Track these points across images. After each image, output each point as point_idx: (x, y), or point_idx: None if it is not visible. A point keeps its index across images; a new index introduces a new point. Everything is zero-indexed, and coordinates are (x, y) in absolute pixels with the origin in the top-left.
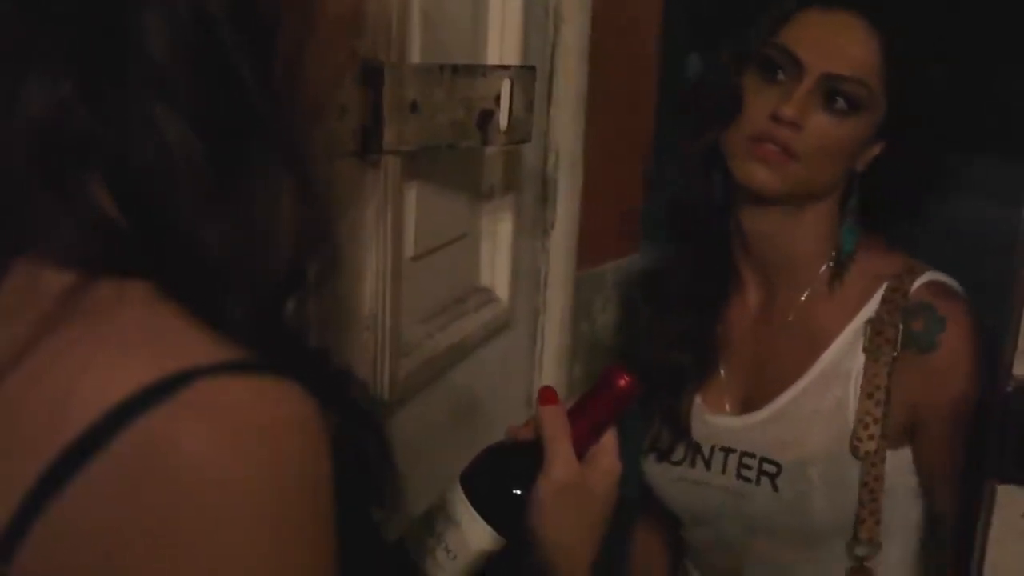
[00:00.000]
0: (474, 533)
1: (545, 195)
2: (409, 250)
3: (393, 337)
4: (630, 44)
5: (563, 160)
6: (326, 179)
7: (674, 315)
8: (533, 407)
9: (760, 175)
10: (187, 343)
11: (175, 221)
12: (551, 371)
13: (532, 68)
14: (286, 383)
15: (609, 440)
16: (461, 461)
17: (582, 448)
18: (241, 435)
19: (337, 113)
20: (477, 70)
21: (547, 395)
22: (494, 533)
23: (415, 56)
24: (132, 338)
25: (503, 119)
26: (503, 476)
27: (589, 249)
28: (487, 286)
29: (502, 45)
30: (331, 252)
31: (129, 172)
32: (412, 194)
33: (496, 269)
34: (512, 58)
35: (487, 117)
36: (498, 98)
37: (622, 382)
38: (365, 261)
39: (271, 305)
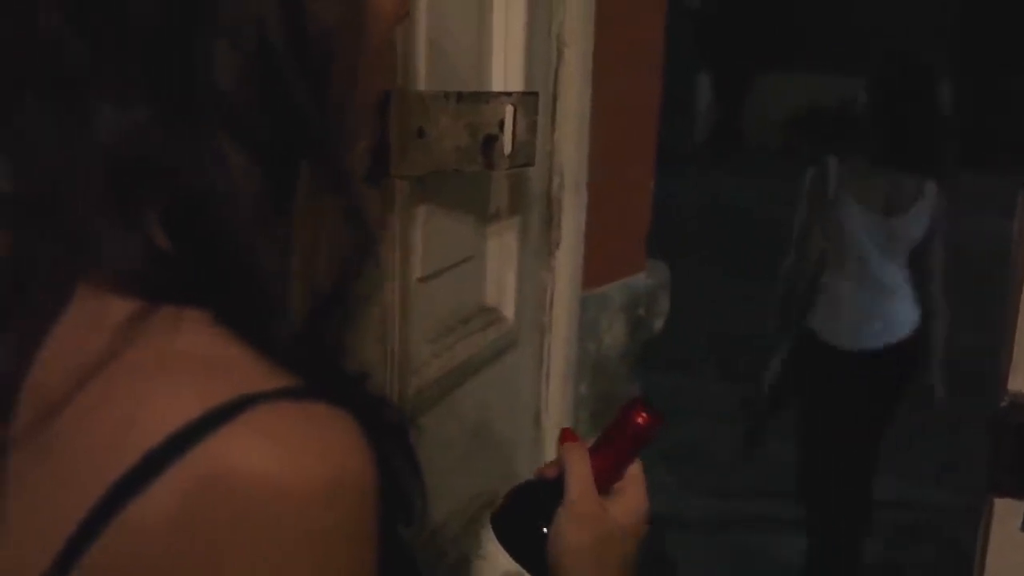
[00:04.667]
0: (500, 566)
1: (550, 216)
2: (417, 271)
3: (402, 357)
4: (634, 65)
5: (568, 182)
6: (368, 201)
7: None
8: (540, 426)
9: None
10: (245, 370)
11: (233, 249)
12: (557, 390)
13: (535, 94)
14: (336, 409)
15: (634, 475)
16: (469, 478)
17: (605, 483)
18: (301, 456)
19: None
20: (481, 97)
21: (567, 434)
22: (520, 568)
23: (421, 83)
24: (193, 365)
25: (507, 144)
26: (527, 511)
27: (594, 269)
28: (493, 306)
29: (506, 71)
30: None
31: (190, 199)
32: (420, 217)
33: (502, 289)
34: (516, 83)
35: (491, 142)
36: (502, 123)
37: (640, 419)
38: (374, 283)
39: (316, 328)
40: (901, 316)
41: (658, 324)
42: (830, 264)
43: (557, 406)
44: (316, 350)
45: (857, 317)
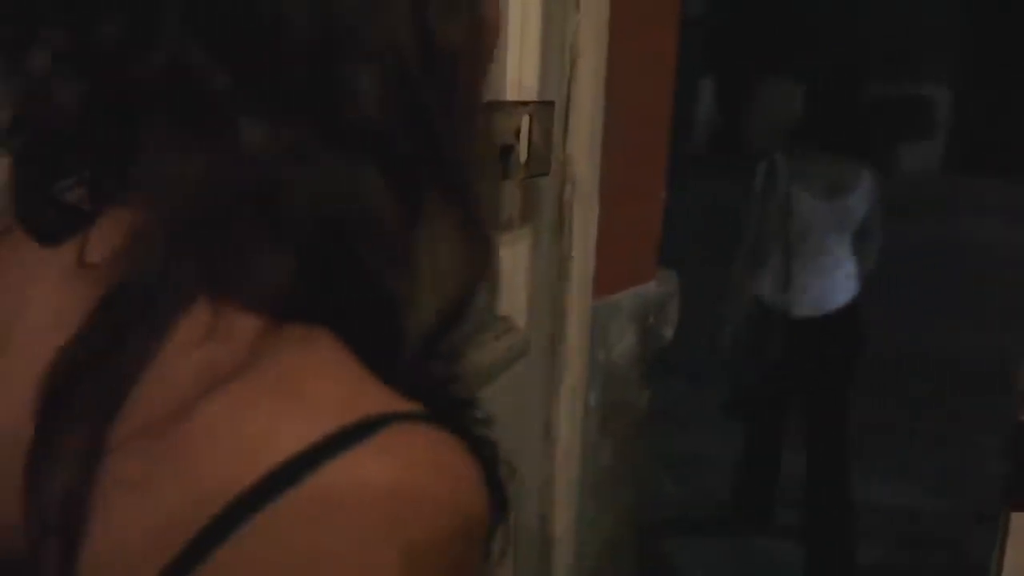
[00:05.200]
0: None
1: (562, 225)
2: None
3: None
4: (646, 75)
5: (579, 191)
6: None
7: None
8: (549, 435)
9: None
10: (376, 390)
11: (368, 272)
12: (568, 399)
13: (551, 103)
14: (456, 437)
15: None
16: None
17: None
18: (434, 478)
19: None
20: (498, 106)
21: None
22: None
23: None
24: (326, 383)
25: (523, 153)
26: None
27: (605, 277)
28: (506, 315)
29: (520, 80)
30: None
31: (326, 223)
32: None
33: (515, 298)
34: (530, 93)
35: (507, 151)
36: (518, 132)
37: None
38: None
39: (433, 350)
40: (844, 286)
41: (668, 333)
42: (782, 244)
43: (567, 415)
44: (433, 373)
45: (806, 289)
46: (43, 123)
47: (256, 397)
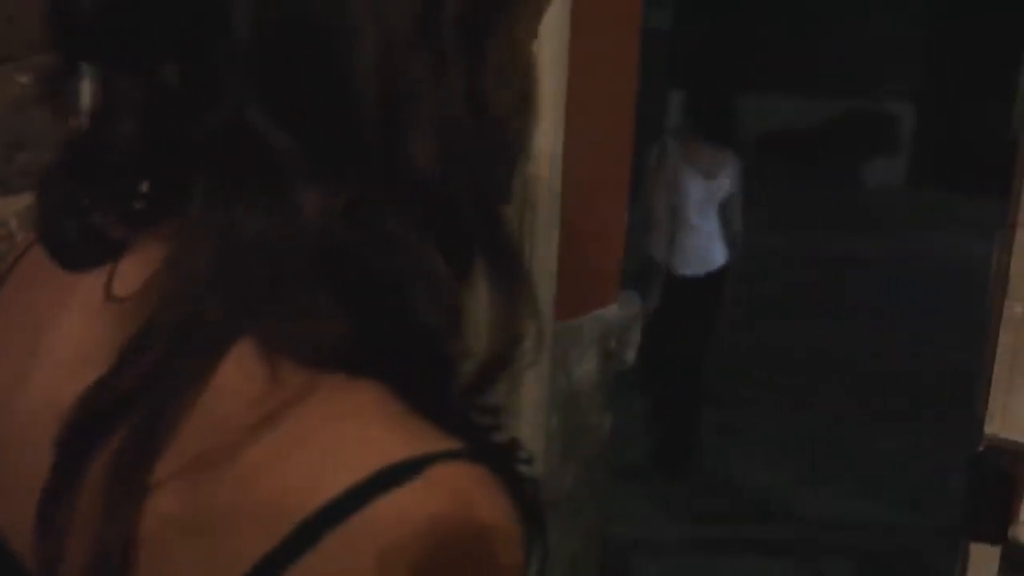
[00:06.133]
0: None
1: (521, 250)
2: None
3: None
4: (608, 93)
5: (540, 215)
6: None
7: None
8: None
9: None
10: (421, 429)
11: (418, 330)
12: (528, 424)
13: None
14: (498, 476)
15: None
16: None
17: None
18: (481, 516)
19: None
20: None
21: None
22: None
23: None
24: (373, 423)
25: None
26: None
27: (566, 301)
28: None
29: None
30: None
31: (382, 286)
32: None
33: (473, 324)
34: None
35: None
36: None
37: None
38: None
39: (478, 393)
40: (716, 252)
41: (630, 356)
42: (671, 215)
43: (527, 440)
44: (477, 415)
45: (689, 253)
46: (93, 155)
47: (304, 437)
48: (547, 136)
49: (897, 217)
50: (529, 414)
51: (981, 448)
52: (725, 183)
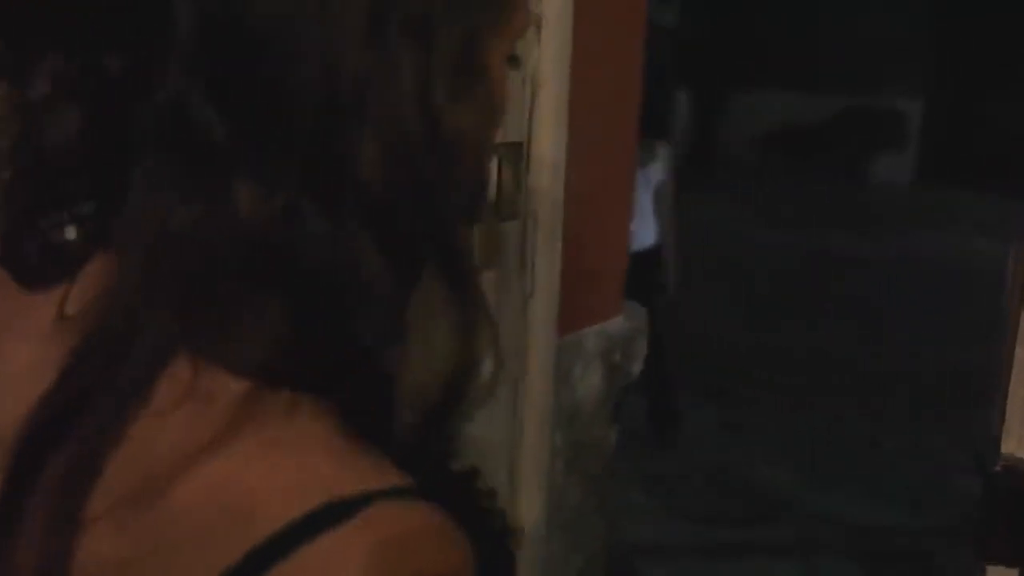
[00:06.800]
0: None
1: (523, 263)
2: None
3: None
4: (610, 102)
5: (541, 229)
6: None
7: None
8: (513, 479)
9: None
10: (363, 464)
11: (360, 343)
12: (532, 440)
13: (519, 144)
14: (447, 515)
15: None
16: None
17: None
18: (415, 554)
19: None
20: None
21: None
22: None
23: None
24: (315, 455)
25: (492, 196)
26: None
27: (569, 315)
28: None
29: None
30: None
31: (321, 291)
32: None
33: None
34: (515, 128)
35: None
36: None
37: None
38: None
39: (433, 425)
40: (652, 230)
41: (636, 369)
42: None
43: (532, 457)
44: (430, 447)
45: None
46: (40, 152)
47: (236, 473)
48: (549, 146)
49: (903, 214)
50: (533, 429)
51: (998, 468)
52: (658, 170)
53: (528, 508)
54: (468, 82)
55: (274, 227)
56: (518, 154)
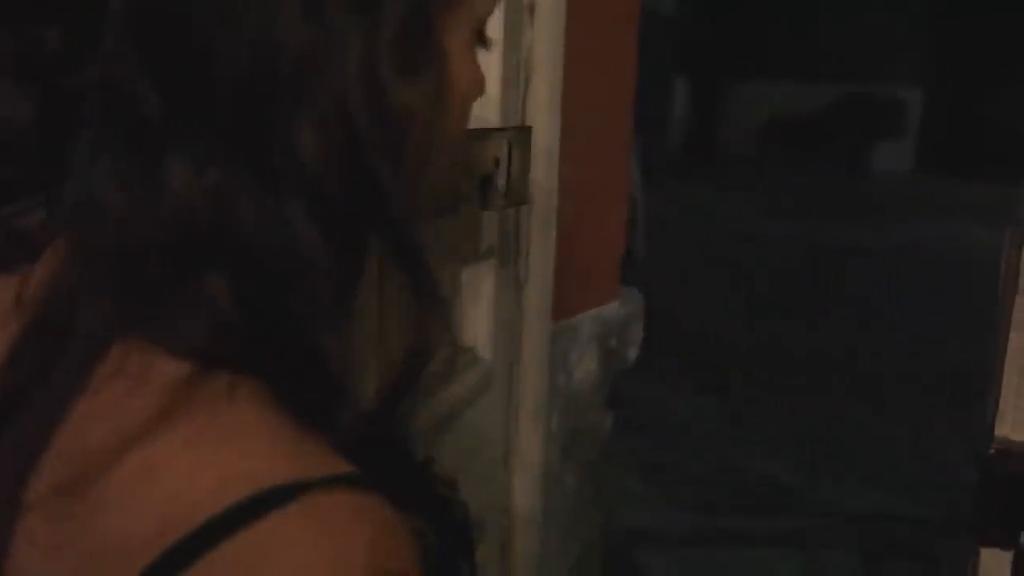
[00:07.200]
0: None
1: (518, 249)
2: None
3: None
4: (605, 87)
5: (536, 214)
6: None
7: None
8: (508, 465)
9: None
10: (298, 451)
11: (299, 324)
12: (527, 427)
13: (528, 129)
14: (388, 503)
15: None
16: None
17: None
18: (346, 554)
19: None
20: (478, 133)
21: None
22: None
23: None
24: (247, 442)
25: (502, 182)
26: None
27: (565, 300)
28: (470, 346)
29: (482, 103)
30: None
31: (257, 271)
32: None
33: (477, 328)
34: (492, 117)
35: (487, 181)
36: (496, 161)
37: None
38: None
39: (385, 411)
40: None
41: (632, 354)
42: None
43: (527, 443)
44: (382, 434)
45: None
46: None
47: (169, 461)
48: (543, 132)
49: (902, 204)
50: (529, 415)
51: (992, 451)
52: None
53: (524, 495)
54: (417, 58)
55: (208, 206)
56: (526, 139)
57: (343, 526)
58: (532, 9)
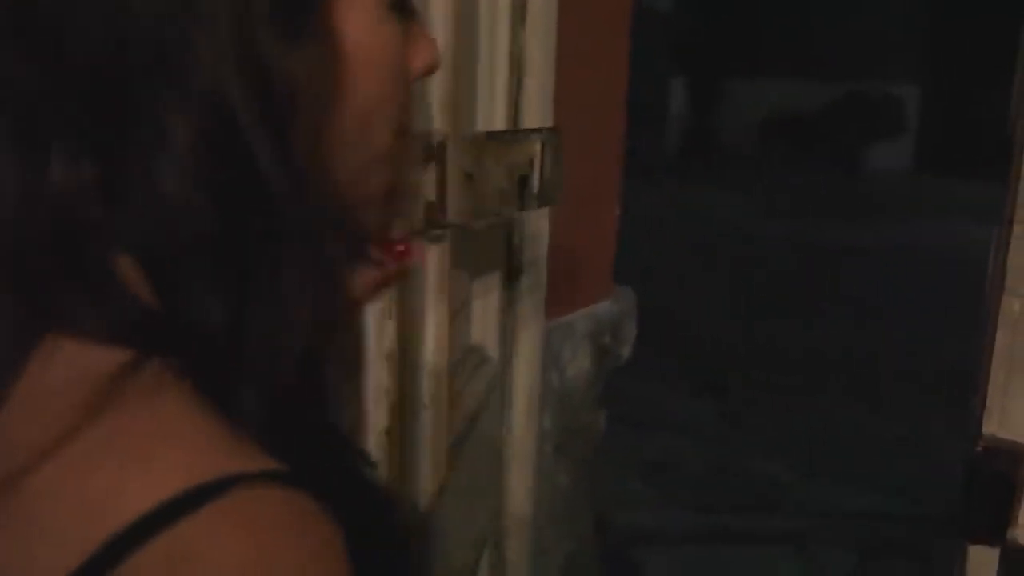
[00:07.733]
0: None
1: (511, 247)
2: None
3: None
4: (597, 87)
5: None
6: (353, 263)
7: None
8: (501, 462)
9: None
10: (224, 448)
11: (185, 300)
12: (519, 425)
13: (558, 130)
14: (313, 500)
15: None
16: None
17: None
18: (271, 548)
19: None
20: (512, 135)
21: None
22: None
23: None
24: (168, 442)
25: (536, 183)
26: None
27: (558, 297)
28: (479, 346)
29: (492, 105)
30: (349, 341)
31: (149, 253)
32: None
33: (487, 327)
34: (500, 117)
35: (524, 182)
36: (531, 161)
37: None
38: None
39: (287, 395)
40: None
41: (625, 352)
42: None
43: (519, 441)
44: (290, 417)
45: None
46: None
47: (96, 459)
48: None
49: (900, 203)
50: (521, 413)
51: (979, 449)
52: None
53: (517, 493)
54: (298, 21)
55: (90, 196)
56: (557, 139)
57: (272, 521)
58: (523, 9)
